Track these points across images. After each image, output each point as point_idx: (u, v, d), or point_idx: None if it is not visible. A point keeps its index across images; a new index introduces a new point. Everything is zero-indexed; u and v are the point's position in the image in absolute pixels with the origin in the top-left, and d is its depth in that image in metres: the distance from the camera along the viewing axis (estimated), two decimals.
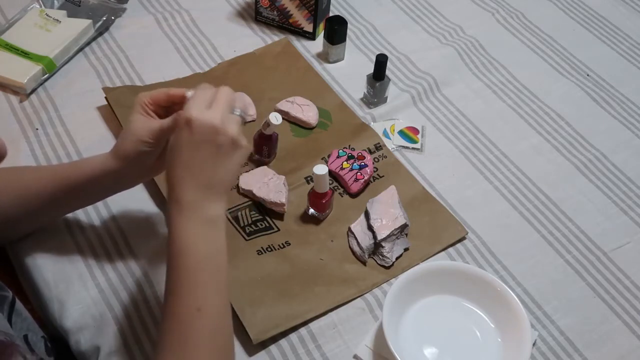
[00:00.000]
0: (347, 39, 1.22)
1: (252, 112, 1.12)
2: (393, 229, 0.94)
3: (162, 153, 0.83)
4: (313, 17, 1.24)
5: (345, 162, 1.04)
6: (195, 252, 0.72)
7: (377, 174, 1.06)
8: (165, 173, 0.75)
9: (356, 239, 0.96)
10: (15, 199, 0.86)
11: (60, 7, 1.25)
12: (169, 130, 0.79)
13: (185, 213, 0.73)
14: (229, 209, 0.99)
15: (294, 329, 0.88)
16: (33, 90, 1.13)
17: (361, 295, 0.92)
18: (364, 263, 0.95)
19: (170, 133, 0.79)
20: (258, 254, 0.95)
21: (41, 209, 0.88)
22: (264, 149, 1.04)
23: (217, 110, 0.73)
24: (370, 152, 1.08)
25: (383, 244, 0.94)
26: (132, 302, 0.89)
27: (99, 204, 0.98)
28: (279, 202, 0.97)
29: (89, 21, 1.21)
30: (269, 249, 0.95)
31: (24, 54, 1.14)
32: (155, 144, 0.81)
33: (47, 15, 1.22)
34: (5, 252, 0.96)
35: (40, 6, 1.24)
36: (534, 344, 0.89)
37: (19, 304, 0.80)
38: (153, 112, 0.82)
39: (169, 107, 0.83)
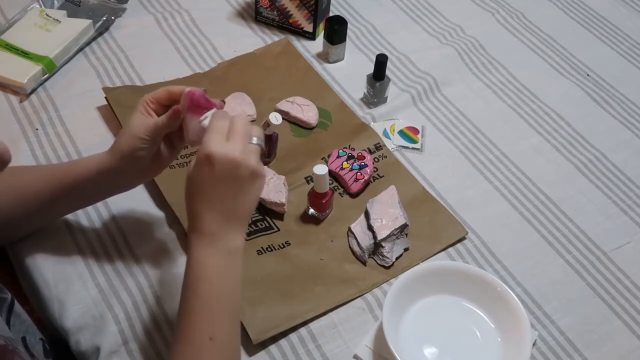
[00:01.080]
0: (347, 39, 1.22)
1: (252, 112, 1.12)
2: (393, 229, 0.94)
3: (157, 153, 0.84)
4: (313, 17, 1.24)
5: (345, 162, 1.04)
6: (212, 281, 0.73)
7: (377, 174, 1.06)
8: (185, 203, 0.75)
9: (356, 239, 0.96)
10: (14, 199, 0.86)
11: (60, 7, 1.25)
12: (164, 127, 0.80)
13: (205, 243, 0.73)
14: None
15: (294, 329, 0.88)
16: (33, 90, 1.13)
17: (361, 295, 0.92)
18: (364, 263, 0.95)
19: (165, 130, 0.80)
20: (258, 254, 0.95)
21: (41, 209, 0.88)
22: (264, 149, 1.04)
23: (237, 142, 0.72)
24: (370, 152, 1.08)
25: (383, 244, 0.94)
26: (132, 302, 0.89)
27: (99, 204, 0.98)
28: (279, 202, 0.97)
29: (89, 21, 1.21)
30: (269, 249, 0.95)
31: (24, 54, 1.14)
32: (150, 141, 0.81)
33: (47, 15, 1.22)
34: (5, 252, 0.97)
35: (40, 6, 1.24)
36: (534, 344, 0.89)
37: (17, 306, 0.80)
38: (154, 110, 0.82)
39: (170, 105, 0.82)
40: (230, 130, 0.73)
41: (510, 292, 0.88)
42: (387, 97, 1.17)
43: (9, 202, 0.86)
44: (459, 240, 0.99)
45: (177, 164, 1.04)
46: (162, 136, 0.82)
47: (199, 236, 0.73)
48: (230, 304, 0.75)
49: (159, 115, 0.82)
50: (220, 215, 0.73)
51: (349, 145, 1.08)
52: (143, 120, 0.81)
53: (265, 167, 1.03)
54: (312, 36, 1.27)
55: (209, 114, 0.76)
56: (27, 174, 0.89)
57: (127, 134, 0.81)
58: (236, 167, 0.71)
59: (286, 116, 1.11)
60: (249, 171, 0.72)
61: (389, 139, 1.12)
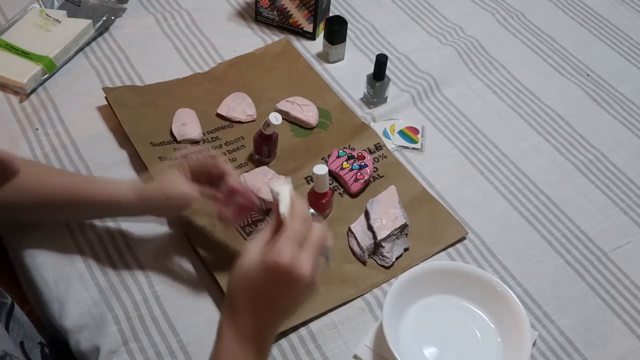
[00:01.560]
0: (347, 39, 1.22)
1: (252, 112, 1.12)
2: (393, 229, 0.94)
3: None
4: (313, 17, 1.24)
5: (345, 162, 1.04)
6: None
7: (377, 174, 1.06)
8: (231, 287, 0.68)
9: (356, 239, 0.96)
10: (35, 197, 0.88)
11: (60, 7, 1.25)
12: (197, 202, 0.85)
13: (240, 337, 0.68)
14: None
15: (294, 329, 0.88)
16: (33, 90, 1.13)
17: (361, 295, 0.92)
18: (364, 263, 0.95)
19: (195, 204, 0.86)
20: None
21: (49, 212, 0.91)
22: (263, 149, 1.04)
23: (311, 256, 0.65)
24: (370, 152, 1.08)
25: (383, 244, 0.94)
26: (132, 302, 0.89)
27: None
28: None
29: (89, 21, 1.21)
30: None
31: (24, 54, 1.14)
32: (178, 205, 0.87)
33: (47, 15, 1.22)
34: (5, 252, 0.97)
35: (40, 6, 1.24)
36: (534, 344, 0.89)
37: (17, 310, 0.80)
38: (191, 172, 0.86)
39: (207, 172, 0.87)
40: (308, 239, 0.66)
41: (510, 292, 0.88)
42: (387, 97, 1.17)
43: (28, 196, 0.87)
44: (459, 240, 0.99)
45: (177, 164, 1.03)
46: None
47: (235, 329, 0.68)
48: None
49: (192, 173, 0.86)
50: (264, 318, 0.68)
51: (349, 145, 1.08)
52: (179, 185, 0.85)
53: (266, 167, 1.04)
54: (312, 36, 1.27)
55: (284, 187, 0.68)
56: (53, 178, 0.91)
57: (161, 192, 0.86)
58: (303, 283, 0.65)
59: (286, 116, 1.11)
60: (311, 289, 0.67)
61: (389, 139, 1.12)
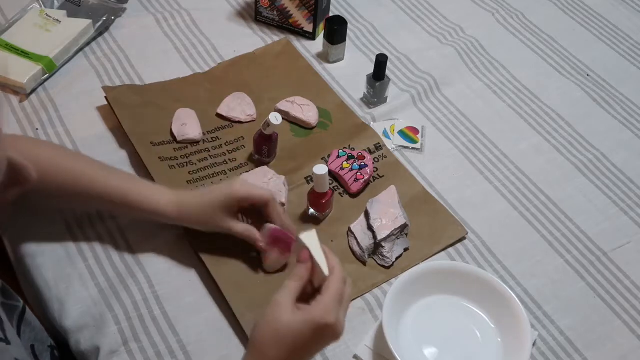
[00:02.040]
0: (347, 39, 1.22)
1: (252, 112, 1.12)
2: (393, 229, 0.94)
3: None
4: (313, 17, 1.24)
5: (345, 162, 1.04)
6: None
7: (377, 174, 1.06)
8: (259, 338, 0.70)
9: (356, 239, 0.96)
10: (73, 190, 0.89)
11: (60, 7, 1.25)
12: (236, 235, 0.89)
13: None
14: None
15: None
16: (33, 90, 1.13)
17: (361, 296, 0.92)
18: (364, 263, 0.95)
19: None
20: (258, 254, 0.95)
21: (78, 204, 0.95)
22: (263, 149, 1.04)
23: (344, 311, 0.71)
24: (370, 152, 1.08)
25: (383, 244, 0.94)
26: (132, 302, 0.89)
27: None
28: (279, 202, 0.97)
29: (89, 21, 1.21)
30: None
31: (24, 54, 1.14)
32: (213, 230, 0.90)
33: (47, 15, 1.21)
34: (5, 252, 0.97)
35: (40, 6, 1.24)
36: (534, 344, 0.89)
37: (29, 313, 0.80)
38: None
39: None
40: (345, 299, 0.72)
41: (510, 292, 0.88)
42: (387, 97, 1.17)
43: (53, 185, 0.88)
44: (459, 240, 0.99)
45: (177, 164, 1.04)
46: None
47: None
48: None
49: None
50: None
51: (349, 145, 1.08)
52: (223, 218, 0.88)
53: (266, 167, 1.04)
54: (312, 36, 1.27)
55: (312, 238, 0.73)
56: (84, 176, 0.90)
57: (200, 219, 0.89)
58: (336, 337, 0.71)
59: (286, 116, 1.11)
60: (339, 338, 0.71)
61: (389, 139, 1.12)
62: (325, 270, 0.71)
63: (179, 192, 0.91)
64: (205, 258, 0.92)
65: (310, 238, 0.72)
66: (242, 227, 0.90)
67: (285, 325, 0.68)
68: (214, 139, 1.08)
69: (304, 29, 1.27)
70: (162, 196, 0.90)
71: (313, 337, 0.68)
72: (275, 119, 0.99)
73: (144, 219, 0.92)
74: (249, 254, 0.94)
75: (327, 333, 0.69)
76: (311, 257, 0.71)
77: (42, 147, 0.95)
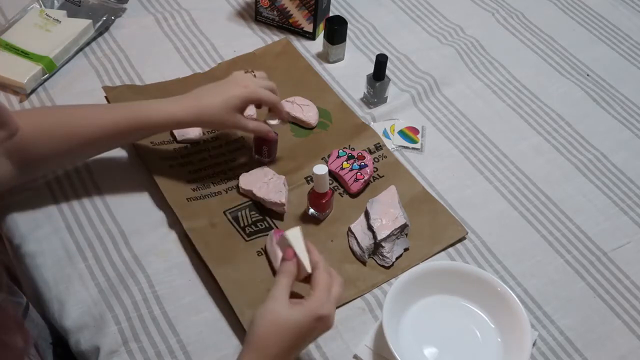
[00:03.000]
0: (347, 39, 1.22)
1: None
2: (393, 229, 0.94)
3: None
4: (313, 17, 1.24)
5: (345, 162, 1.04)
6: None
7: (377, 174, 1.06)
8: (258, 331, 0.73)
9: (356, 239, 0.96)
10: (67, 140, 0.91)
11: (60, 7, 1.25)
12: (245, 131, 0.98)
13: None
14: (228, 209, 0.99)
15: None
16: (33, 90, 1.13)
17: (361, 296, 0.92)
18: (364, 263, 0.95)
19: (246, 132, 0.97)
20: (258, 254, 0.95)
21: (92, 148, 0.96)
22: (263, 149, 1.04)
23: (334, 304, 0.76)
24: (370, 152, 1.08)
25: (383, 244, 0.94)
26: (132, 302, 0.89)
27: (100, 204, 0.98)
28: (279, 202, 0.97)
29: (89, 21, 1.21)
30: None
31: (24, 54, 1.14)
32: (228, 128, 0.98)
33: (47, 15, 1.21)
34: (5, 252, 0.97)
35: (40, 6, 1.24)
36: (534, 344, 0.89)
37: (32, 311, 0.80)
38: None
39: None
40: (335, 291, 0.76)
41: (510, 292, 0.88)
42: (387, 97, 1.17)
43: (64, 143, 0.90)
44: (459, 240, 0.99)
45: (177, 164, 1.04)
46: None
47: None
48: None
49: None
50: (289, 358, 0.75)
51: (349, 145, 1.08)
52: (237, 119, 0.95)
53: (266, 167, 1.04)
54: (312, 36, 1.27)
55: (296, 234, 0.77)
56: (89, 119, 0.92)
57: (211, 111, 0.93)
58: (330, 325, 0.76)
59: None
60: (331, 328, 0.77)
61: (389, 139, 1.12)
62: (308, 268, 0.76)
63: (189, 97, 0.95)
64: (206, 258, 0.92)
65: (294, 236, 0.76)
66: (254, 124, 0.98)
67: (285, 319, 0.72)
68: (214, 139, 1.08)
69: (304, 29, 1.27)
70: (173, 105, 0.94)
71: (310, 328, 0.73)
72: (273, 119, 1.00)
73: (156, 132, 0.99)
74: (255, 251, 0.94)
75: (321, 324, 0.74)
76: (295, 255, 0.76)
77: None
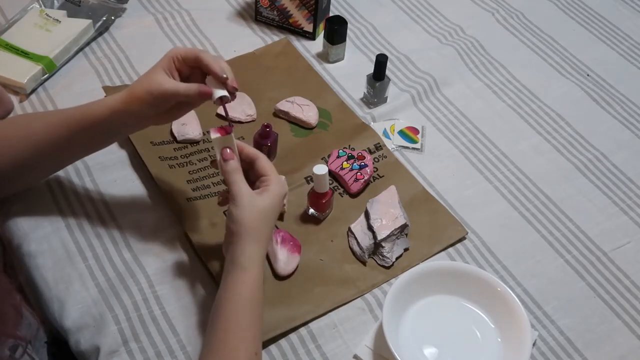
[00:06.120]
0: (347, 39, 1.22)
1: (252, 112, 1.12)
2: (393, 229, 0.94)
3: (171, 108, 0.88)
4: (313, 17, 1.24)
5: (345, 162, 1.04)
6: (257, 305, 0.82)
7: (377, 174, 1.06)
8: (248, 226, 0.82)
9: (356, 239, 0.96)
10: (26, 147, 0.88)
11: (60, 7, 1.25)
12: (182, 97, 0.85)
13: (261, 258, 0.83)
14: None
15: (294, 329, 0.88)
16: (33, 90, 1.13)
17: (361, 296, 0.92)
18: (364, 263, 0.95)
19: (183, 100, 0.85)
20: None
21: (56, 153, 0.90)
22: (263, 149, 1.04)
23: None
24: (370, 152, 1.08)
25: (383, 244, 0.94)
26: (132, 302, 0.89)
27: (99, 203, 0.98)
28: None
29: (89, 21, 1.21)
30: None
31: (24, 54, 1.14)
32: (164, 101, 0.85)
33: (47, 15, 1.22)
34: (5, 252, 0.97)
35: (40, 6, 1.24)
36: (534, 344, 0.89)
37: (26, 310, 0.80)
38: (177, 69, 0.86)
39: (193, 71, 0.87)
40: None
41: (510, 292, 0.88)
42: (387, 97, 1.17)
43: (21, 148, 0.88)
44: (459, 240, 0.99)
45: (177, 164, 1.04)
46: (174, 101, 0.86)
47: (262, 256, 0.84)
48: (260, 316, 0.83)
49: (181, 74, 0.86)
50: (264, 243, 0.84)
51: (349, 145, 1.08)
52: (163, 80, 0.83)
53: None
54: (312, 36, 1.27)
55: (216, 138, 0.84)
56: (36, 122, 0.90)
57: (143, 87, 0.84)
58: (284, 195, 0.86)
59: (286, 116, 1.11)
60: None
61: (389, 139, 1.12)
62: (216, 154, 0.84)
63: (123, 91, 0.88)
64: (206, 258, 0.92)
65: (226, 139, 0.84)
66: (184, 85, 0.85)
67: (264, 206, 0.82)
68: None
69: (304, 29, 1.27)
70: (105, 99, 0.87)
71: (279, 207, 0.85)
72: (218, 87, 0.90)
73: (99, 131, 0.88)
74: None
75: (282, 200, 0.86)
76: (233, 153, 0.83)
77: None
